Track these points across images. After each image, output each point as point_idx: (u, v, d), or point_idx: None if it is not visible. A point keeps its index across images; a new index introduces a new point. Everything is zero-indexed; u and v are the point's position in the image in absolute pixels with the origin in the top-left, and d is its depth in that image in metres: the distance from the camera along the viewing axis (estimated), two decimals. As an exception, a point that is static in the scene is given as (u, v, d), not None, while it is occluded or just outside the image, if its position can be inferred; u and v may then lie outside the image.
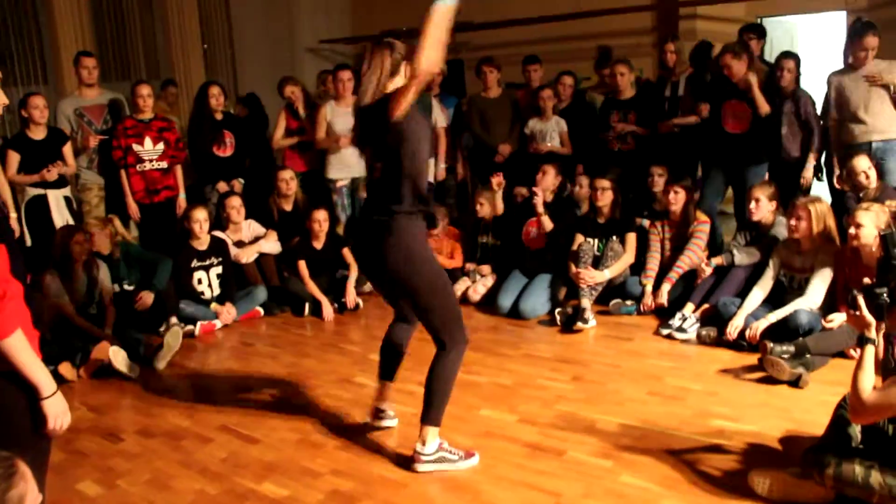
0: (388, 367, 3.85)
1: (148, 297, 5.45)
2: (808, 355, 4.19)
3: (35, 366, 2.05)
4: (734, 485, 3.14)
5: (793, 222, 4.69)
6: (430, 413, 3.41)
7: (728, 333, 4.65)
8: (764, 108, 5.63)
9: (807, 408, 3.85)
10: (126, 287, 5.62)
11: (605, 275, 5.44)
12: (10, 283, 1.99)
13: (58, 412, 2.10)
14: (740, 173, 5.90)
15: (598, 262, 5.51)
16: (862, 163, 5.09)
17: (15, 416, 2.06)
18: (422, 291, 3.32)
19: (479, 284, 6.03)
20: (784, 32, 8.52)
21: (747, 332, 4.56)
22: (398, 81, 3.28)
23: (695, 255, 5.38)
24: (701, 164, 6.36)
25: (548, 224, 5.76)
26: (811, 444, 3.18)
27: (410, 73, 3.07)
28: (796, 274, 4.75)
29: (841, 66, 5.67)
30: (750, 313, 4.68)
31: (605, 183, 5.60)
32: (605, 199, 5.60)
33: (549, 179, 5.88)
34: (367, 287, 6.35)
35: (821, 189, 6.06)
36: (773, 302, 4.71)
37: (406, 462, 3.50)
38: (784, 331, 4.39)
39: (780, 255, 4.85)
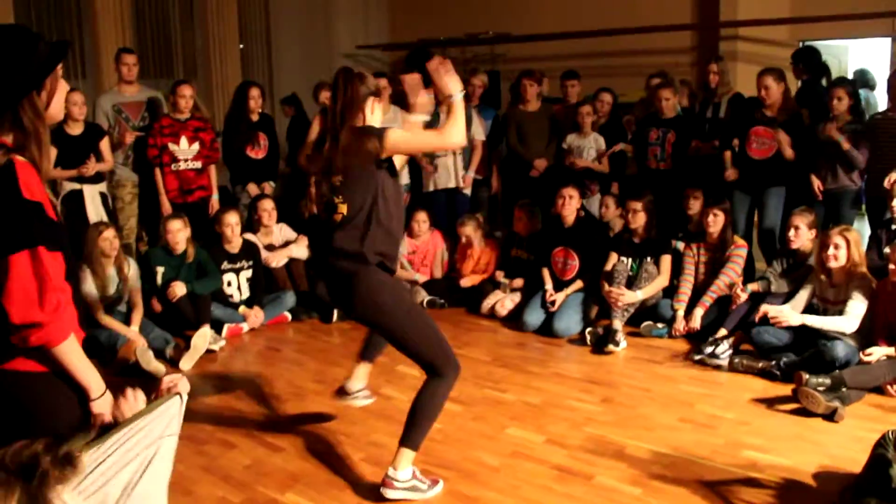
0: (372, 348, 3.87)
1: (179, 289, 5.37)
2: (844, 388, 4.10)
3: (86, 368, 2.05)
4: (767, 520, 3.08)
5: (830, 251, 4.58)
6: (411, 436, 3.30)
7: (761, 310, 4.62)
8: (789, 154, 5.66)
9: (842, 443, 3.77)
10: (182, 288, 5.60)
11: (638, 296, 5.38)
12: (66, 292, 1.99)
13: (104, 412, 2.10)
14: (760, 195, 5.90)
15: (631, 283, 5.45)
16: None
17: (64, 414, 2.06)
18: (397, 334, 3.29)
19: (507, 299, 5.99)
20: (831, 57, 8.38)
21: (778, 316, 4.52)
22: (366, 116, 3.28)
23: (730, 280, 5.30)
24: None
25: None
26: (847, 482, 3.12)
27: (435, 139, 3.27)
28: (830, 306, 4.66)
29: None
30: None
31: (637, 205, 5.55)
32: (638, 220, 5.54)
33: (573, 204, 5.80)
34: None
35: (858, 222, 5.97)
36: (808, 333, 4.63)
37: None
38: (820, 363, 4.31)
39: (814, 285, 4.77)
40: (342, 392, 3.90)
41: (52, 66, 2.04)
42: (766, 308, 4.64)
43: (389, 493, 3.30)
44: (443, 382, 3.31)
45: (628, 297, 5.33)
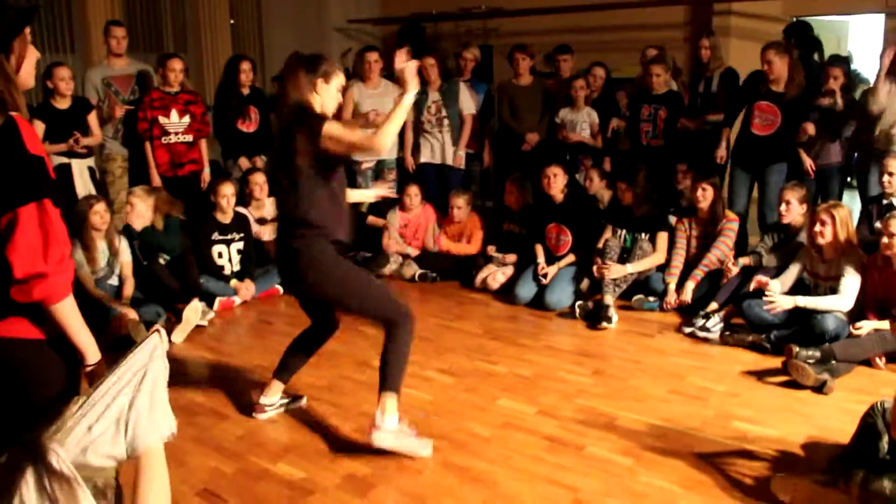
0: (287, 367, 3.91)
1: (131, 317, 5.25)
2: (833, 361, 4.13)
3: (83, 332, 2.05)
4: (756, 489, 3.10)
5: (817, 228, 4.59)
6: (388, 381, 3.38)
7: (756, 280, 4.65)
8: (810, 131, 5.69)
9: (830, 415, 3.79)
10: (162, 259, 5.59)
11: (627, 269, 5.38)
12: (67, 246, 1.98)
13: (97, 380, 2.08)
14: (761, 172, 5.89)
15: (625, 258, 5.46)
16: (889, 164, 5.02)
17: (54, 386, 2.05)
18: (343, 299, 3.42)
19: (498, 273, 5.99)
20: (830, 32, 8.32)
21: (772, 302, 4.51)
22: (315, 100, 3.31)
23: (721, 254, 5.32)
24: (728, 164, 6.27)
25: None
26: (835, 452, 3.14)
27: (365, 142, 3.23)
28: (821, 282, 4.68)
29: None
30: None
31: (623, 186, 5.60)
32: (627, 198, 5.57)
33: (559, 182, 5.79)
34: (387, 269, 6.34)
35: (850, 196, 5.98)
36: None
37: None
38: (810, 336, 4.33)
39: (804, 260, 4.79)
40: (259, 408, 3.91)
41: (19, 29, 2.01)
42: (759, 278, 4.65)
43: (377, 439, 3.35)
44: (401, 331, 3.39)
45: (614, 272, 5.33)
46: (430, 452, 3.43)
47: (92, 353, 2.07)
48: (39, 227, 1.91)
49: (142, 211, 5.54)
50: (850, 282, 4.48)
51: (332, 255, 3.36)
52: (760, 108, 5.78)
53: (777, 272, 4.90)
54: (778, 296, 4.53)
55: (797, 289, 4.74)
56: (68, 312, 1.99)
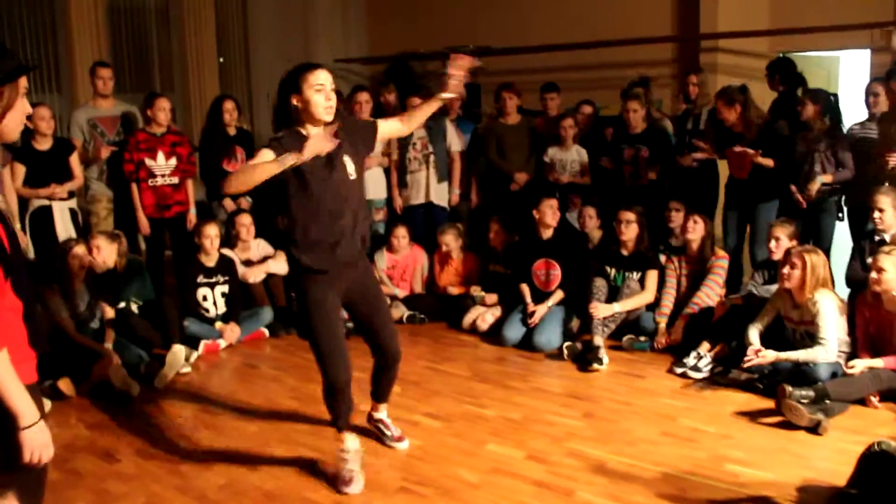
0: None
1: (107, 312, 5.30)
2: (827, 401, 4.06)
3: (16, 391, 1.91)
4: (751, 535, 3.03)
5: (786, 270, 4.51)
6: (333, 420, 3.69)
7: (752, 355, 4.46)
8: (767, 163, 5.67)
9: (826, 456, 3.73)
10: (132, 303, 5.52)
11: (614, 307, 5.32)
12: (2, 298, 1.88)
13: (35, 445, 1.95)
14: (752, 211, 5.89)
15: (613, 297, 5.40)
16: (878, 200, 4.98)
17: (6, 442, 1.95)
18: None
19: (487, 314, 5.92)
20: (820, 68, 8.35)
21: (756, 357, 4.42)
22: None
23: (712, 292, 5.28)
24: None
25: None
26: (831, 494, 3.07)
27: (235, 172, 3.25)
28: (796, 326, 4.61)
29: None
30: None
31: (631, 216, 5.49)
32: (630, 232, 5.49)
33: (556, 216, 5.76)
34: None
35: (841, 230, 5.95)
36: (779, 347, 4.56)
37: (411, 501, 3.41)
38: (803, 376, 4.27)
39: (777, 304, 4.71)
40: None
41: (12, 78, 1.97)
42: (748, 360, 4.51)
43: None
44: (325, 387, 3.55)
45: (601, 311, 5.28)
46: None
47: (26, 415, 1.93)
48: None
49: (106, 256, 5.48)
50: (828, 331, 4.36)
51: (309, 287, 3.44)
52: (731, 154, 5.81)
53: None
54: (761, 354, 4.42)
55: (775, 332, 4.68)
56: None
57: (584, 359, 5.11)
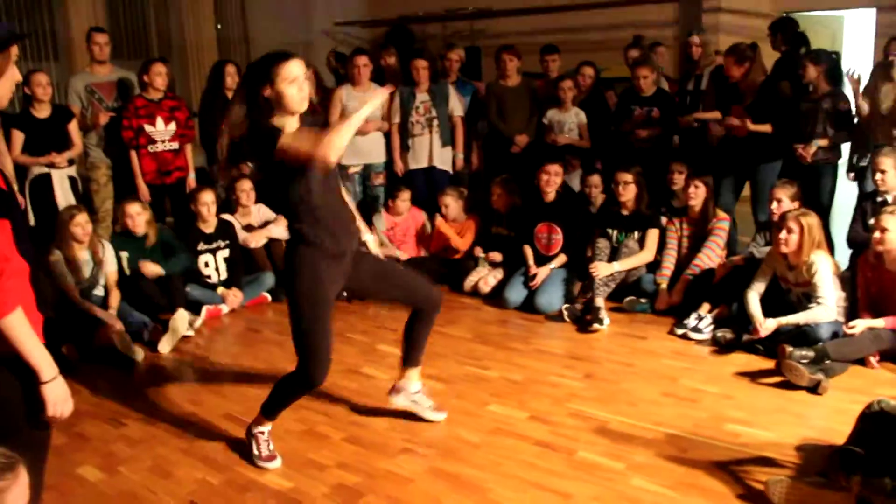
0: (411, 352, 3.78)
1: (149, 268, 5.31)
2: (827, 361, 4.08)
3: (36, 348, 1.97)
4: (750, 492, 3.06)
5: (783, 234, 4.47)
6: (266, 407, 3.47)
7: (757, 328, 4.44)
8: (764, 129, 5.64)
9: (825, 415, 3.76)
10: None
11: (614, 266, 5.33)
12: (11, 261, 1.91)
13: (57, 398, 2.01)
14: (753, 171, 5.86)
15: (615, 258, 5.42)
16: (881, 162, 4.97)
17: (9, 403, 1.98)
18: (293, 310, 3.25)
19: (489, 276, 5.94)
20: (824, 27, 8.27)
21: (760, 329, 4.42)
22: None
23: (713, 254, 5.28)
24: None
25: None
26: (832, 451, 3.09)
27: (314, 147, 2.92)
28: (793, 287, 4.60)
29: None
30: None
31: (628, 176, 5.48)
32: (629, 193, 5.48)
33: (556, 181, 5.74)
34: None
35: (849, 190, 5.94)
36: (776, 310, 4.57)
37: (414, 461, 3.44)
38: (804, 336, 4.28)
39: (772, 265, 4.68)
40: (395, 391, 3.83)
41: (3, 47, 1.97)
42: (747, 336, 4.54)
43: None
44: (296, 380, 3.33)
45: (601, 270, 5.29)
46: (274, 466, 3.45)
47: (46, 369, 1.99)
48: None
49: (140, 223, 5.46)
50: (826, 292, 4.36)
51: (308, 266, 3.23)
52: (736, 112, 5.76)
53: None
54: (761, 323, 4.41)
55: (773, 293, 4.67)
56: (16, 327, 1.91)
57: (585, 320, 5.13)
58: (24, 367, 1.97)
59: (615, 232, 5.57)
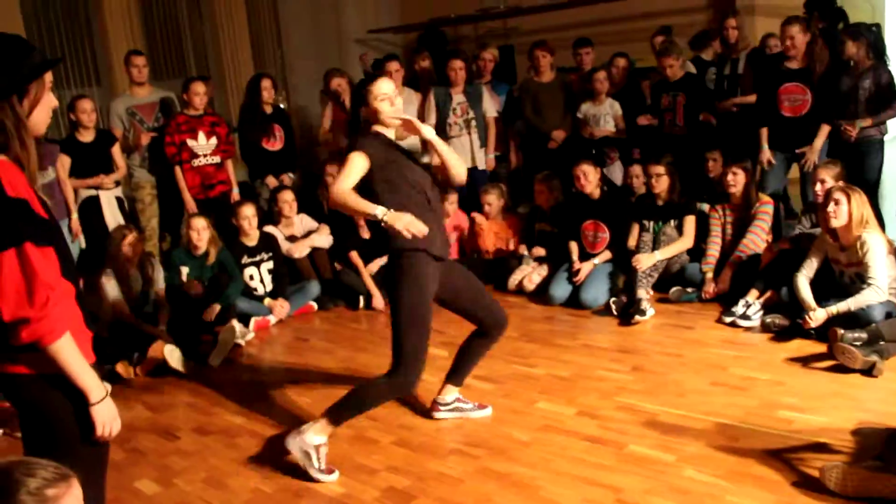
0: (457, 369, 3.91)
1: (212, 313, 5.34)
2: (881, 342, 3.98)
3: (83, 370, 2.02)
4: (805, 479, 3.00)
5: (830, 208, 4.31)
6: (335, 412, 3.46)
7: (809, 318, 4.33)
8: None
9: (881, 398, 3.68)
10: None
11: (655, 256, 5.30)
12: (57, 287, 1.97)
13: (106, 419, 2.06)
14: (795, 154, 5.75)
15: (655, 248, 5.37)
16: None
17: (62, 423, 2.04)
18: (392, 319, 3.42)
19: (534, 274, 5.93)
20: (864, 1, 8.09)
21: (810, 320, 4.33)
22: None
23: (758, 239, 5.20)
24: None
25: None
26: (890, 434, 3.02)
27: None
28: (844, 269, 4.47)
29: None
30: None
31: (660, 169, 5.46)
32: (662, 184, 5.47)
33: (592, 178, 5.70)
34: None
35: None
36: (828, 292, 4.48)
37: (464, 462, 3.45)
38: (856, 318, 4.18)
39: (822, 248, 4.56)
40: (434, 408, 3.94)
41: (38, 74, 2.04)
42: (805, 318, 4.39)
43: (289, 443, 3.45)
44: (388, 386, 3.42)
45: (643, 262, 5.25)
46: (332, 479, 3.42)
47: (94, 391, 2.04)
48: (20, 272, 1.91)
49: (204, 238, 5.52)
50: (878, 270, 4.22)
51: (412, 274, 3.40)
52: (787, 91, 5.63)
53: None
54: (812, 313, 4.30)
55: (824, 275, 4.56)
56: (64, 353, 1.97)
57: (628, 312, 5.09)
58: (75, 388, 2.03)
59: (652, 223, 5.53)
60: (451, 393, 3.89)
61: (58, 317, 1.95)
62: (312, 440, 3.40)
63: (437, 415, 3.88)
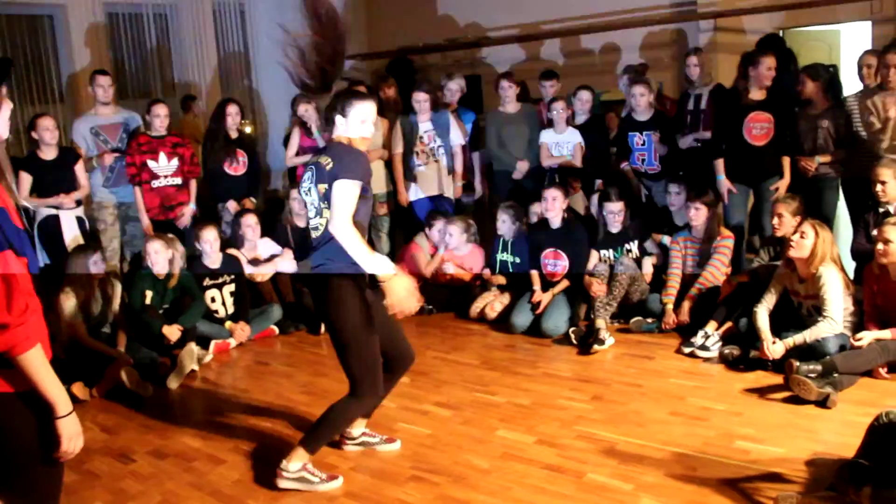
0: None
1: (174, 334, 5.26)
2: (835, 374, 4.06)
3: (53, 384, 2.01)
4: (761, 509, 3.04)
5: (796, 237, 4.48)
6: (311, 440, 3.52)
7: (765, 349, 4.42)
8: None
9: (835, 429, 3.74)
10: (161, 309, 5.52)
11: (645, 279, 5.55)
12: (32, 297, 1.96)
13: (72, 433, 2.06)
14: (757, 187, 5.87)
15: (612, 278, 5.45)
16: (880, 173, 4.96)
17: (24, 439, 2.02)
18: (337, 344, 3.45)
19: (496, 302, 5.94)
20: (821, 42, 8.28)
21: (768, 352, 4.41)
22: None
23: (717, 272, 5.28)
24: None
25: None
26: (842, 464, 3.07)
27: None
28: (803, 301, 4.59)
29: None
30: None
31: (615, 206, 5.69)
32: (618, 218, 5.71)
33: (558, 205, 5.74)
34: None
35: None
36: (787, 322, 4.59)
37: (423, 489, 3.44)
38: (811, 350, 4.27)
39: (782, 281, 4.68)
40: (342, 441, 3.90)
41: (2, 78, 2.04)
42: (755, 352, 4.53)
43: (280, 483, 3.49)
44: (356, 403, 3.47)
45: (598, 289, 5.41)
46: (338, 484, 3.51)
47: (62, 405, 2.03)
48: (1, 278, 1.89)
49: (159, 261, 5.42)
50: (833, 304, 4.35)
51: (350, 295, 3.38)
52: (755, 119, 5.75)
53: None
54: (770, 347, 4.40)
55: (783, 307, 4.66)
56: (35, 363, 1.96)
57: (587, 342, 5.13)
58: (39, 403, 2.01)
59: (611, 252, 5.62)
60: (357, 427, 3.86)
61: (34, 325, 1.94)
62: (296, 467, 3.47)
63: (345, 448, 3.87)
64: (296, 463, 3.47)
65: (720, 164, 5.88)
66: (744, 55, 5.91)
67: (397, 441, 3.89)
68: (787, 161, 5.77)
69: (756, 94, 5.73)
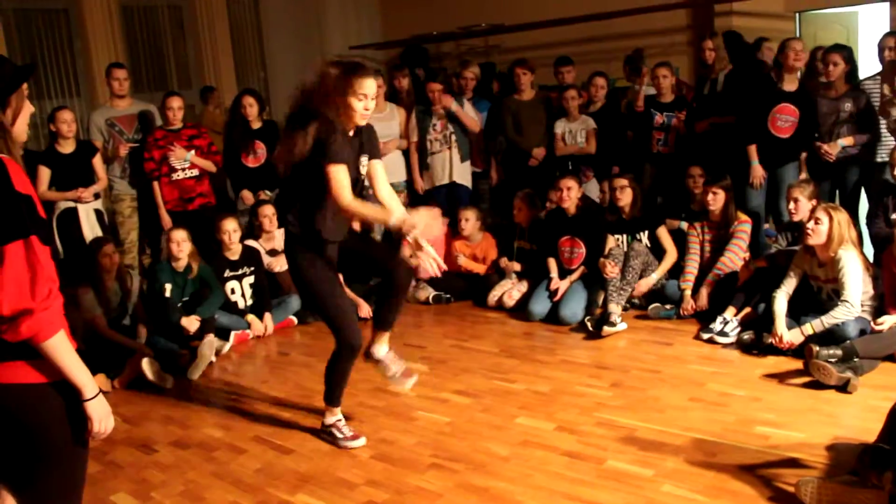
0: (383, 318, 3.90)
1: (192, 325, 5.30)
2: (856, 359, 4.04)
3: (79, 367, 2.04)
4: (780, 494, 3.04)
5: (810, 225, 4.44)
6: (326, 397, 3.89)
7: (776, 341, 4.42)
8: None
9: (856, 413, 3.73)
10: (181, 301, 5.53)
11: (653, 279, 5.54)
12: (55, 283, 1.99)
13: (101, 414, 2.09)
14: (776, 171, 5.84)
15: (626, 262, 5.44)
16: None
17: (52, 427, 2.04)
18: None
19: (514, 290, 5.95)
20: (839, 24, 8.21)
21: (785, 341, 4.39)
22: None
23: (735, 257, 5.26)
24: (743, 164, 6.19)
25: None
26: (863, 449, 3.06)
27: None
28: (822, 284, 4.56)
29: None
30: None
31: (624, 181, 5.70)
32: (626, 197, 5.66)
33: (573, 194, 5.75)
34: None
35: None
36: (807, 307, 4.57)
37: (443, 476, 3.46)
38: (831, 335, 4.24)
39: (801, 265, 4.64)
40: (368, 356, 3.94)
41: (16, 85, 2.08)
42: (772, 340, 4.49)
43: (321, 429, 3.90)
44: (344, 351, 3.72)
45: (642, 286, 5.46)
46: (360, 443, 3.79)
47: (89, 386, 2.05)
48: (26, 263, 1.92)
49: (184, 249, 5.44)
50: (852, 286, 4.30)
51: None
52: (782, 111, 5.71)
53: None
54: (786, 334, 4.38)
55: (803, 291, 4.64)
56: (60, 349, 1.98)
57: (600, 326, 5.14)
58: (67, 389, 2.04)
59: (623, 237, 5.64)
60: (383, 343, 3.88)
61: (57, 311, 1.97)
62: (330, 421, 3.88)
63: (367, 360, 3.94)
64: (329, 419, 3.87)
65: (753, 150, 5.83)
66: (781, 43, 5.87)
67: (362, 438, 3.84)
68: (803, 154, 5.76)
69: (788, 85, 5.69)
